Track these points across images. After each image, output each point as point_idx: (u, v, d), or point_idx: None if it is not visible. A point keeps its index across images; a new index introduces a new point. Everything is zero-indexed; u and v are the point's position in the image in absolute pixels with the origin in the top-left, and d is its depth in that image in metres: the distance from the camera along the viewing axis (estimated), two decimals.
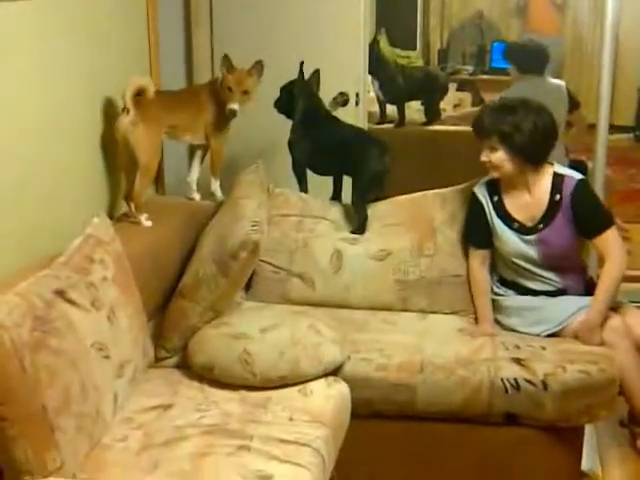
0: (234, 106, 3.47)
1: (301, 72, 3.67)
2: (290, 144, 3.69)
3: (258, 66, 3.50)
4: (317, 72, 3.71)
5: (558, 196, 3.13)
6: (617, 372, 2.89)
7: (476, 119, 3.23)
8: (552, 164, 3.19)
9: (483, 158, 3.15)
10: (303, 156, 3.67)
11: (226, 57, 3.51)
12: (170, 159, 3.88)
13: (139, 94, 3.20)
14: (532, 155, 3.11)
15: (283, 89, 3.74)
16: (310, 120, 3.68)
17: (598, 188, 3.90)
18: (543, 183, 3.16)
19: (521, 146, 3.07)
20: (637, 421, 3.08)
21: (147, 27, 3.75)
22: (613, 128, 4.68)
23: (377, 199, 3.55)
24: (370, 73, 4.86)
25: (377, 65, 5.20)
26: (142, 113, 3.20)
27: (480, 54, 8.04)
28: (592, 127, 4.49)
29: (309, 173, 3.73)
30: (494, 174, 3.17)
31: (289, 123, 3.72)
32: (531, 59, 4.89)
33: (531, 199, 3.18)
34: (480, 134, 3.16)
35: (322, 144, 3.63)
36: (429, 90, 5.56)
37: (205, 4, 4.19)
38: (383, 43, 5.88)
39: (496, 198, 3.23)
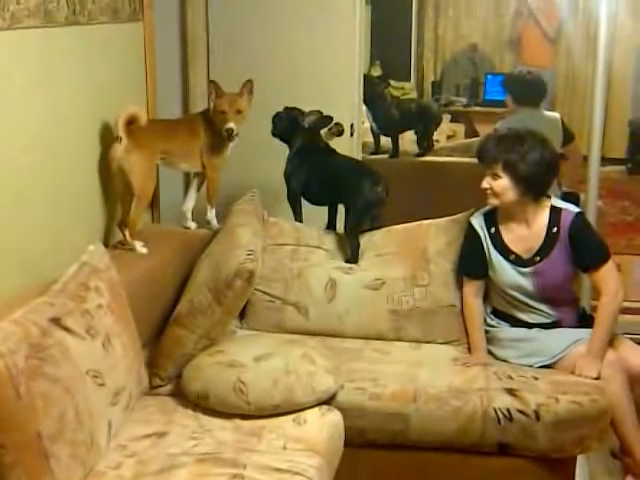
0: (230, 125, 3.47)
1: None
2: (286, 175, 3.71)
3: (248, 85, 3.52)
4: (328, 119, 3.78)
5: (555, 229, 3.13)
6: (609, 403, 2.90)
7: (481, 145, 3.23)
8: (549, 197, 3.21)
9: (484, 185, 3.15)
10: (298, 186, 3.70)
11: (213, 82, 3.55)
12: (166, 188, 3.90)
13: (132, 122, 3.23)
14: (534, 186, 3.12)
15: (287, 111, 3.76)
16: (307, 152, 3.71)
17: (590, 220, 3.92)
18: (541, 216, 3.17)
19: (525, 176, 3.07)
20: (628, 453, 3.08)
21: (144, 58, 3.79)
22: (605, 160, 4.72)
23: (372, 229, 3.58)
24: (365, 103, 4.90)
25: (371, 97, 5.24)
26: (135, 140, 3.23)
27: (473, 86, 8.10)
28: (584, 159, 4.54)
29: (304, 202, 3.75)
30: (493, 202, 3.17)
31: (284, 152, 3.74)
32: (528, 91, 4.93)
33: (528, 231, 3.19)
34: (484, 160, 3.16)
35: (317, 175, 3.66)
36: (423, 121, 5.60)
37: (202, 36, 4.22)
38: (375, 74, 5.94)
39: (493, 229, 3.24)
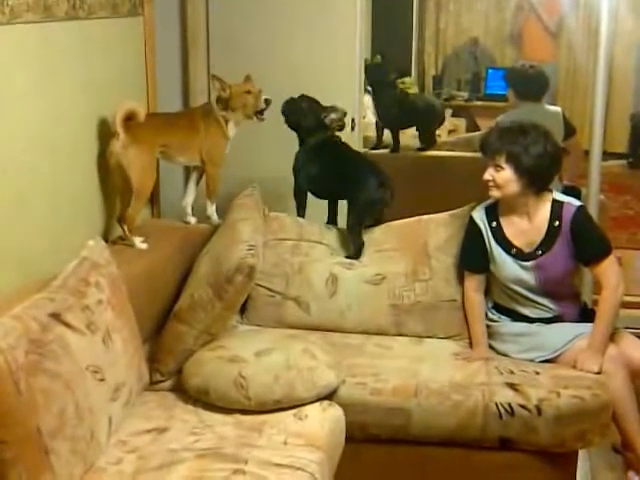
0: (268, 97, 3.56)
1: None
2: (295, 169, 3.67)
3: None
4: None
5: (557, 223, 3.13)
6: (611, 398, 2.90)
7: (485, 137, 3.23)
8: (551, 191, 3.20)
9: (486, 177, 3.14)
10: (306, 181, 3.67)
11: (215, 76, 3.56)
12: (167, 183, 3.90)
13: (130, 118, 3.22)
14: (537, 178, 3.11)
15: (308, 101, 3.70)
16: (321, 148, 3.66)
17: (592, 214, 3.91)
18: (542, 209, 3.16)
19: (528, 168, 3.06)
20: (630, 448, 3.08)
21: (144, 53, 3.79)
22: (606, 155, 4.71)
23: (373, 225, 3.57)
24: (371, 91, 4.89)
25: (378, 86, 5.26)
26: (133, 136, 3.23)
27: (475, 80, 8.09)
28: (586, 153, 4.53)
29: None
30: (495, 194, 3.16)
31: (285, 147, 3.72)
32: (530, 85, 4.92)
33: (530, 225, 3.18)
34: (488, 152, 3.15)
35: (327, 170, 3.63)
36: (426, 119, 5.59)
37: (202, 30, 4.22)
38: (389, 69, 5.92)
39: (495, 223, 3.23)
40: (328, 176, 3.64)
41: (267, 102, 3.56)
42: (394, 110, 5.48)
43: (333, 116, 3.67)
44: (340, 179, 3.58)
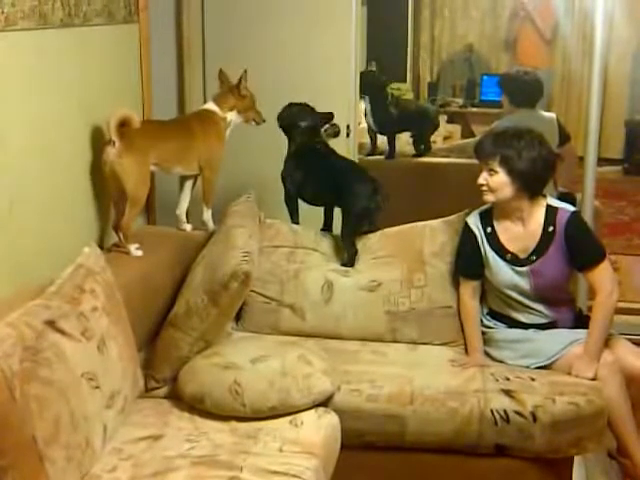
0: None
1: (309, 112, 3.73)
2: (282, 176, 3.69)
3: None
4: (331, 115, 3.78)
5: (551, 228, 3.13)
6: (606, 404, 2.90)
7: (480, 141, 3.24)
8: (545, 196, 3.21)
9: (481, 181, 3.15)
10: (295, 187, 3.68)
11: (246, 72, 3.60)
12: (162, 190, 3.89)
13: (124, 125, 3.21)
14: (530, 183, 3.11)
15: (295, 106, 3.73)
16: (304, 153, 3.68)
17: (587, 220, 3.92)
18: (537, 215, 3.17)
19: (522, 172, 3.07)
20: (625, 454, 3.07)
21: (140, 60, 3.79)
22: (601, 160, 4.71)
23: (368, 232, 3.57)
24: (366, 97, 4.93)
25: (372, 93, 5.27)
26: (128, 143, 3.20)
27: (470, 87, 8.10)
28: (580, 159, 4.54)
29: (301, 204, 3.73)
30: (489, 198, 3.16)
31: (281, 153, 3.73)
32: (525, 91, 4.91)
33: (524, 231, 3.19)
34: (482, 155, 3.16)
35: (315, 176, 3.64)
36: (421, 124, 5.60)
37: (197, 37, 4.23)
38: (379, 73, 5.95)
39: (489, 229, 3.23)
40: (317, 184, 3.64)
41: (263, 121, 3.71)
42: (388, 115, 5.49)
43: (307, 121, 3.69)
44: (331, 187, 3.58)
